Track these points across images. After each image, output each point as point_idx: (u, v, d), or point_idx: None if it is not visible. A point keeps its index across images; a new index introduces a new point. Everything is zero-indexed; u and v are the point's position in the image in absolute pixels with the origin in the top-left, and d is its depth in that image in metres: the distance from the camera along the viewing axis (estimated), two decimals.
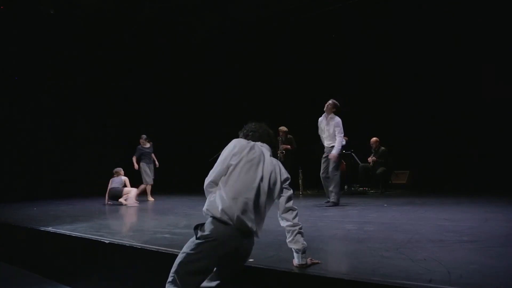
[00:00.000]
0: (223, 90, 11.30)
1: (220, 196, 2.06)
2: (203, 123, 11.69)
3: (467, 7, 7.61)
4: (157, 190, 9.68)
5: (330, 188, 5.61)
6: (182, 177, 11.33)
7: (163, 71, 11.66)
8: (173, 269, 2.01)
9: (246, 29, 10.11)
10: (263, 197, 2.09)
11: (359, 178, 8.19)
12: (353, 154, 8.49)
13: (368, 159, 8.05)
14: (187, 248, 2.01)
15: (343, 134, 5.64)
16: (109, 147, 10.45)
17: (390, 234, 3.17)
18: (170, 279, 2.00)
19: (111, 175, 7.75)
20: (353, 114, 6.54)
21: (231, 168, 2.14)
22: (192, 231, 2.08)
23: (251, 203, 2.04)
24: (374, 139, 8.09)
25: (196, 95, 11.89)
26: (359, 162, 8.33)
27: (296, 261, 2.21)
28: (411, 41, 8.35)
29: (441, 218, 3.96)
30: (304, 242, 2.17)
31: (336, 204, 5.51)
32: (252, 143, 2.26)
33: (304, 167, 8.02)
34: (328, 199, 5.71)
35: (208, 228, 2.00)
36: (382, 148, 8.04)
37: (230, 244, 1.98)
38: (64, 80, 9.91)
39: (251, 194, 2.06)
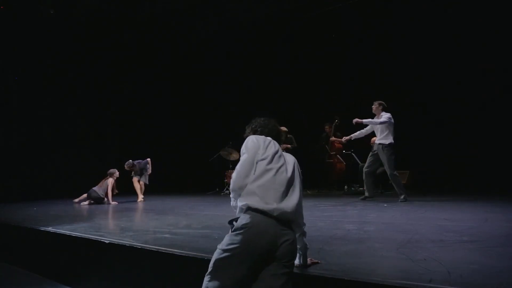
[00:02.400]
0: (223, 90, 11.30)
1: (253, 189, 1.95)
2: (203, 123, 11.69)
3: (467, 7, 7.61)
4: (157, 190, 9.69)
5: (396, 189, 5.94)
6: (182, 177, 11.33)
7: (163, 71, 11.66)
8: (209, 269, 1.86)
9: (246, 29, 10.11)
10: (294, 188, 2.04)
11: (359, 178, 8.19)
12: (353, 154, 8.49)
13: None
14: (222, 244, 1.87)
15: (383, 120, 6.02)
16: (110, 147, 10.46)
17: (390, 234, 3.17)
18: (206, 278, 1.85)
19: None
20: (352, 114, 6.53)
21: (259, 163, 2.04)
22: (192, 231, 2.07)
23: (286, 193, 1.98)
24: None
25: (196, 95, 11.89)
26: (359, 162, 8.32)
27: (296, 261, 2.21)
28: (411, 41, 8.35)
29: (441, 218, 3.96)
30: (307, 243, 2.18)
31: (406, 199, 5.74)
32: (269, 138, 2.19)
33: (304, 167, 7.99)
34: (366, 195, 6.16)
35: (244, 218, 1.87)
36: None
37: (270, 231, 1.82)
38: (64, 80, 9.90)
39: (285, 181, 2.00)
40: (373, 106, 6.23)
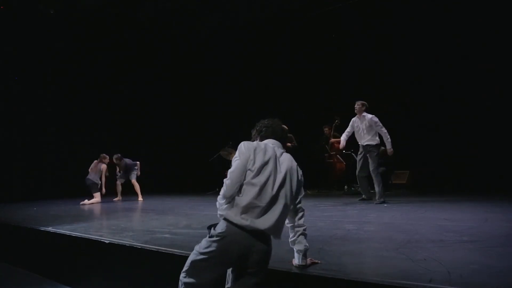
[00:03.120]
0: (223, 90, 11.30)
1: (236, 202, 1.99)
2: (203, 123, 11.69)
3: (467, 7, 7.61)
4: (157, 190, 9.70)
5: (376, 188, 5.83)
6: (182, 177, 11.33)
7: (163, 71, 11.65)
8: (185, 268, 1.97)
9: (246, 29, 10.11)
10: (282, 198, 2.00)
11: None
12: (353, 154, 8.48)
13: None
14: (199, 247, 1.96)
15: (384, 129, 5.92)
16: (110, 147, 10.44)
17: (390, 234, 3.18)
18: (182, 275, 1.96)
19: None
20: (352, 114, 6.52)
21: (248, 172, 2.03)
22: (192, 231, 2.08)
23: (267, 209, 1.96)
24: None
25: (196, 95, 11.89)
26: None
27: (296, 261, 2.22)
28: (411, 41, 8.34)
29: (441, 218, 3.96)
30: (307, 244, 2.18)
31: (384, 202, 5.66)
32: (263, 144, 2.13)
33: (304, 166, 8.00)
34: (363, 196, 6.11)
35: (221, 226, 1.96)
36: (382, 148, 8.02)
37: (242, 242, 1.90)
38: (64, 80, 9.90)
39: (268, 197, 1.97)
40: (356, 106, 6.09)
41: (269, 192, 1.98)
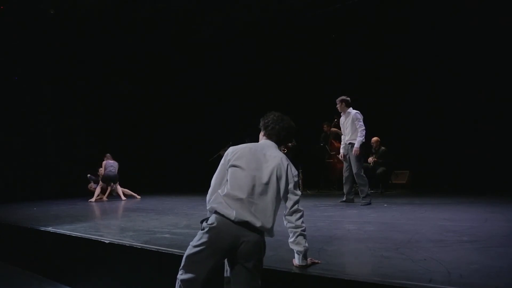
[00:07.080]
0: (224, 90, 11.30)
1: (221, 195, 2.05)
2: (203, 123, 11.69)
3: (468, 8, 7.60)
4: (157, 190, 9.70)
5: (359, 190, 5.60)
6: (182, 177, 11.33)
7: (163, 71, 11.65)
8: (181, 265, 1.99)
9: (247, 30, 10.10)
10: (265, 193, 2.04)
11: None
12: None
13: (368, 159, 8.04)
14: (193, 241, 2.00)
15: (363, 127, 5.54)
16: (110, 147, 10.45)
17: (390, 234, 3.17)
18: (179, 273, 1.99)
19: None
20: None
21: (230, 169, 2.12)
22: (192, 231, 2.08)
23: (252, 200, 2.00)
24: (374, 138, 8.08)
25: (196, 95, 11.89)
26: None
27: (296, 261, 2.22)
28: (410, 41, 8.34)
29: (441, 218, 3.96)
30: (306, 245, 2.17)
31: (370, 203, 5.44)
32: (246, 144, 2.21)
33: (304, 166, 8.03)
34: (344, 199, 5.86)
35: (211, 219, 2.02)
36: (383, 148, 8.04)
37: (232, 232, 1.93)
38: (64, 80, 9.90)
39: (252, 192, 2.02)
40: (337, 106, 5.80)
41: (254, 186, 2.04)
